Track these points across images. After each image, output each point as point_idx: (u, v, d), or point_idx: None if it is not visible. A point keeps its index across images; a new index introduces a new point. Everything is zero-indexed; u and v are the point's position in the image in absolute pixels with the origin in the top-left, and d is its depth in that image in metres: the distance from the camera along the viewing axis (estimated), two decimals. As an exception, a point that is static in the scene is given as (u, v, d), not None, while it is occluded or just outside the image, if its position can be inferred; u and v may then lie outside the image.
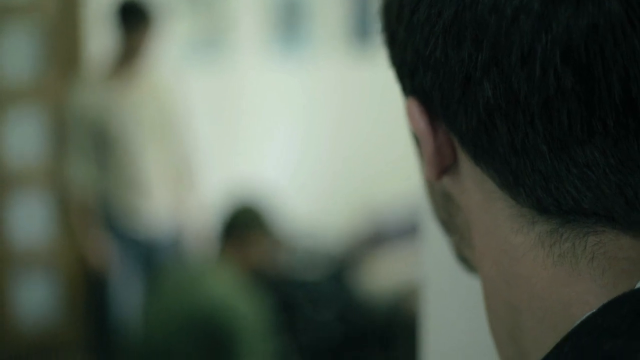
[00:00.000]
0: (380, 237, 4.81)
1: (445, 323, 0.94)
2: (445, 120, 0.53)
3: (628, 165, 0.47)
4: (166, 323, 2.67)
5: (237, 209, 3.03)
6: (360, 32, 5.10)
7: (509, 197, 0.52)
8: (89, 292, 4.16)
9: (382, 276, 4.45)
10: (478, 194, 0.55)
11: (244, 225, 2.92)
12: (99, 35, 4.04)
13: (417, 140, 0.60)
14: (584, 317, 0.49)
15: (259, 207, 3.04)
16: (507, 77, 0.47)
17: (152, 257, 3.62)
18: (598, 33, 0.45)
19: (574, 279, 0.51)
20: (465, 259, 0.64)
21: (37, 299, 4.27)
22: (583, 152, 0.47)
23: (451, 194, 0.59)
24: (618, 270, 0.50)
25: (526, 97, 0.47)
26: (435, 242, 0.91)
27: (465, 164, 0.55)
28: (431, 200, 0.65)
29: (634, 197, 0.48)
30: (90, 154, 3.56)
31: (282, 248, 3.51)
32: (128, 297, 3.62)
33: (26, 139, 4.16)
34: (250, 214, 2.99)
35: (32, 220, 4.21)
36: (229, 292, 2.70)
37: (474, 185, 0.55)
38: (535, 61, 0.46)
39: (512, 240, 0.53)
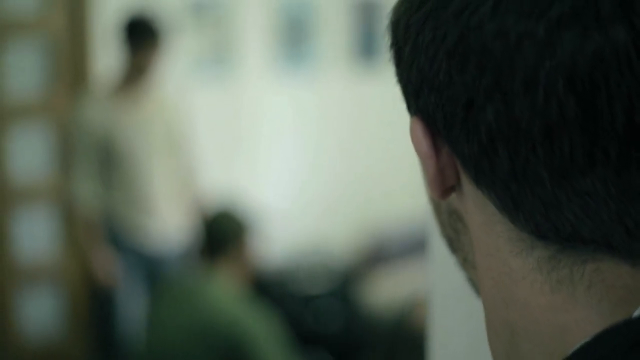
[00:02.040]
0: (384, 253, 4.81)
1: (452, 337, 0.95)
2: (448, 142, 0.52)
3: (629, 195, 0.47)
4: (177, 339, 2.66)
5: (217, 218, 2.91)
6: (365, 50, 5.12)
7: (508, 221, 0.52)
8: (94, 306, 4.16)
9: (385, 292, 4.45)
10: (480, 216, 0.55)
11: (231, 235, 2.85)
12: (106, 51, 4.06)
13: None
14: (578, 346, 0.49)
15: (237, 212, 2.95)
16: (510, 103, 0.47)
17: (157, 271, 3.62)
18: (603, 62, 0.45)
19: (571, 305, 0.51)
20: (470, 277, 0.64)
21: (42, 313, 4.27)
22: (584, 180, 0.47)
23: (458, 212, 0.59)
24: (616, 299, 0.50)
25: (528, 123, 0.47)
26: (442, 258, 0.92)
27: (468, 186, 0.54)
28: (437, 218, 0.65)
29: (634, 227, 0.48)
30: (95, 170, 3.57)
31: (265, 247, 3.44)
32: (133, 311, 3.63)
33: (32, 154, 4.18)
34: (232, 221, 2.90)
35: (37, 235, 4.22)
36: (239, 306, 2.70)
37: (476, 207, 0.55)
38: (538, 88, 0.46)
39: (512, 263, 0.53)
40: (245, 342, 2.61)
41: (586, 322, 0.50)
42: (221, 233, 2.87)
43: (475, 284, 0.64)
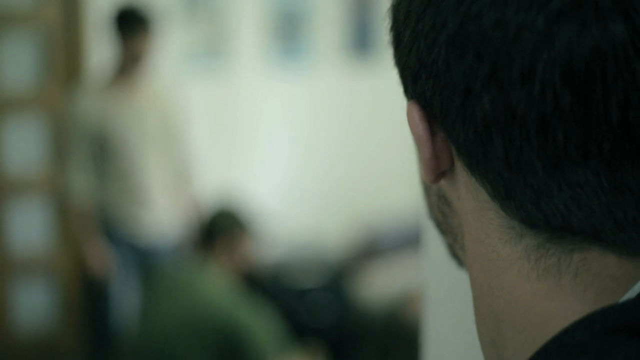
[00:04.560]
0: (377, 247, 4.82)
1: (446, 331, 0.95)
2: (444, 128, 0.53)
3: (620, 188, 0.48)
4: (171, 330, 2.67)
5: (215, 213, 3.03)
6: (359, 44, 5.12)
7: (499, 208, 0.53)
8: (87, 298, 4.16)
9: (378, 285, 4.46)
10: (472, 202, 0.55)
11: (225, 227, 2.93)
12: (100, 44, 4.06)
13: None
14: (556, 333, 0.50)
15: (236, 209, 3.05)
16: (506, 92, 0.48)
17: (151, 263, 3.63)
18: (600, 56, 0.45)
19: (556, 294, 0.51)
20: (458, 257, 0.65)
21: (35, 306, 4.27)
22: (576, 172, 0.48)
23: (447, 196, 0.60)
24: (600, 288, 0.51)
25: (523, 113, 0.48)
26: (436, 252, 0.93)
27: (461, 172, 0.55)
28: (426, 200, 0.66)
29: (622, 218, 0.49)
30: (89, 162, 3.57)
31: (262, 246, 3.50)
32: (126, 303, 3.63)
33: (26, 146, 4.17)
34: (228, 215, 3.00)
35: (31, 228, 4.22)
36: (233, 299, 2.72)
37: (468, 193, 0.55)
38: (535, 79, 0.47)
39: (500, 250, 0.54)
40: (238, 332, 2.63)
41: (569, 310, 0.51)
42: (215, 227, 2.93)
43: (462, 261, 0.65)
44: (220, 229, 2.93)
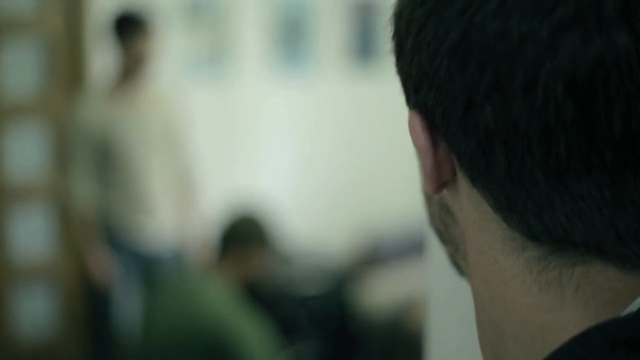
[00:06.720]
0: (379, 254, 4.82)
1: (449, 338, 0.95)
2: (446, 138, 0.52)
3: (623, 201, 0.47)
4: (165, 337, 2.66)
5: (237, 220, 2.94)
6: (362, 51, 5.12)
7: (501, 220, 0.52)
8: (90, 306, 4.16)
9: (380, 293, 4.45)
10: (474, 213, 0.55)
11: (243, 236, 2.86)
12: (103, 50, 4.07)
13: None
14: (556, 348, 0.50)
15: (259, 219, 2.95)
16: (508, 103, 0.47)
17: (153, 270, 3.62)
18: (603, 66, 0.45)
19: (558, 307, 0.51)
20: (459, 265, 0.65)
21: (37, 312, 4.27)
22: (579, 184, 0.47)
23: (450, 206, 0.59)
24: (602, 301, 0.50)
25: (526, 125, 0.47)
26: (439, 259, 0.93)
27: (463, 182, 0.55)
28: (428, 209, 0.66)
29: (625, 231, 0.48)
30: (92, 168, 3.57)
31: (279, 261, 3.45)
32: (128, 310, 3.63)
33: (29, 153, 4.17)
34: (250, 225, 2.91)
35: (33, 235, 4.22)
36: (229, 308, 2.69)
37: (470, 204, 0.55)
38: (537, 90, 0.46)
39: (502, 262, 0.53)
40: (228, 342, 2.59)
41: (571, 323, 0.50)
42: (231, 235, 2.86)
43: (462, 270, 0.65)
44: (235, 238, 2.85)
